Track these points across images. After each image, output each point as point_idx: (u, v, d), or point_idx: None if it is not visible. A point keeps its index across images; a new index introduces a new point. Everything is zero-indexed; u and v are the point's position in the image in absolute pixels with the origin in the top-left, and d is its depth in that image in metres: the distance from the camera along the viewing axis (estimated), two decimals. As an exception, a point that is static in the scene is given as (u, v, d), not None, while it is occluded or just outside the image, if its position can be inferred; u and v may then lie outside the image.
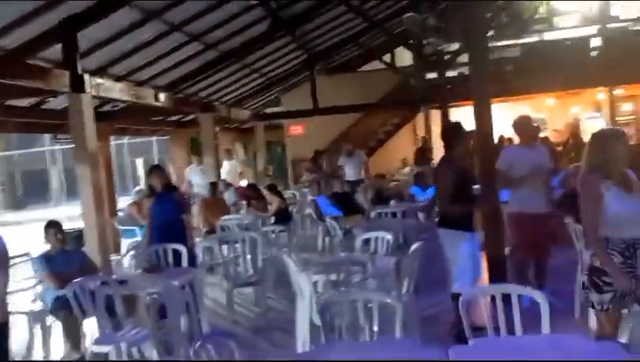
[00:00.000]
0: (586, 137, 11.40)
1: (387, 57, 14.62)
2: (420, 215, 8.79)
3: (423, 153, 12.67)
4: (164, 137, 16.56)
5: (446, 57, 9.74)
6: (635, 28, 13.75)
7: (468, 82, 9.66)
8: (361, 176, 11.10)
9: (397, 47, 14.63)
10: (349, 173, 11.15)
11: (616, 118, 14.37)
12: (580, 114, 15.30)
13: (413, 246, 4.79)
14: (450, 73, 10.87)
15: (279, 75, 13.85)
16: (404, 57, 15.39)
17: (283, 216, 9.43)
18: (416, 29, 6.20)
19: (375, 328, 3.31)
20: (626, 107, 15.33)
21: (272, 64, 12.64)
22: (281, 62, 12.97)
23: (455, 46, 10.22)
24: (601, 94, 14.73)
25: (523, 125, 5.32)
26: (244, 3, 8.59)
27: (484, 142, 5.60)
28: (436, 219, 5.14)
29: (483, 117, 5.53)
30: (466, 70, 12.36)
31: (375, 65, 15.16)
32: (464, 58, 12.18)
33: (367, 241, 5.59)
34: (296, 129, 16.75)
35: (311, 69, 13.11)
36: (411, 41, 11.41)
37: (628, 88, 14.51)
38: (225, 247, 6.66)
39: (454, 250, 4.66)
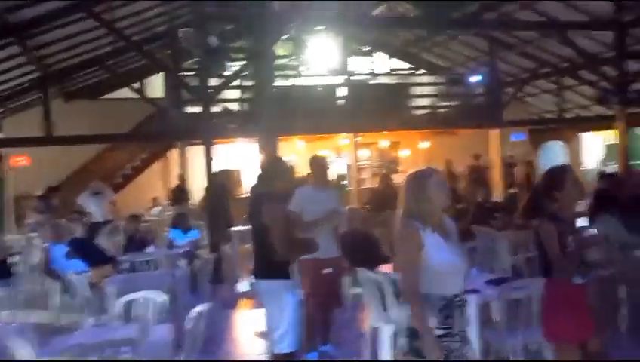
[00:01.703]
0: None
1: (137, 85, 13.33)
2: (182, 262, 7.76)
3: (181, 192, 11.66)
4: None
5: (210, 91, 9.09)
6: (372, 82, 15.29)
7: (235, 118, 9.08)
8: (108, 217, 9.53)
9: (149, 75, 13.46)
10: (96, 213, 9.48)
11: (357, 163, 15.59)
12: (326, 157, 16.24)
13: (198, 309, 3.84)
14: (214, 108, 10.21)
15: (2, 94, 11.33)
16: (155, 87, 14.29)
17: (2, 271, 7.34)
18: (193, 47, 5.38)
19: None
20: (364, 153, 16.85)
21: (-9, 79, 10.23)
22: (5, 78, 10.61)
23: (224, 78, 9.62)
24: (344, 140, 15.87)
25: (317, 165, 4.91)
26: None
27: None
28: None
29: (270, 153, 4.96)
30: (232, 105, 11.97)
31: (123, 93, 13.68)
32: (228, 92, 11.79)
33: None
34: (19, 160, 13.96)
35: (45, 91, 11.01)
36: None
37: (365, 136, 15.95)
38: None
39: (281, 303, 3.90)
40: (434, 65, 17.95)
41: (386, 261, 5.91)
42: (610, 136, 21.61)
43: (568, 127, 18.37)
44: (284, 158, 4.43)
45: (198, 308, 3.89)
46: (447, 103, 15.19)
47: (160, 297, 4.27)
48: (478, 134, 15.30)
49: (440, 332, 2.77)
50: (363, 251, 5.75)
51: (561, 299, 3.25)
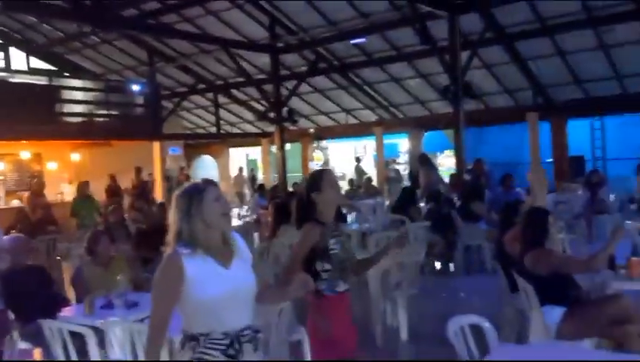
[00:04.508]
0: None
1: None
2: None
3: None
4: None
5: None
6: (11, 80, 12.78)
7: None
8: None
9: None
10: None
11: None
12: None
13: None
14: None
15: None
16: None
17: None
18: None
19: None
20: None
21: None
22: None
23: None
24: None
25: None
26: None
27: None
28: None
29: None
30: None
31: None
32: None
33: None
34: None
35: None
36: None
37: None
38: None
39: None
40: (84, 69, 16.33)
41: (66, 303, 4.72)
42: (253, 152, 23.87)
43: (221, 142, 19.32)
44: None
45: None
46: (105, 112, 13.90)
47: None
48: (138, 147, 14.50)
49: None
50: (37, 293, 4.42)
51: (317, 311, 3.00)
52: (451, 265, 8.05)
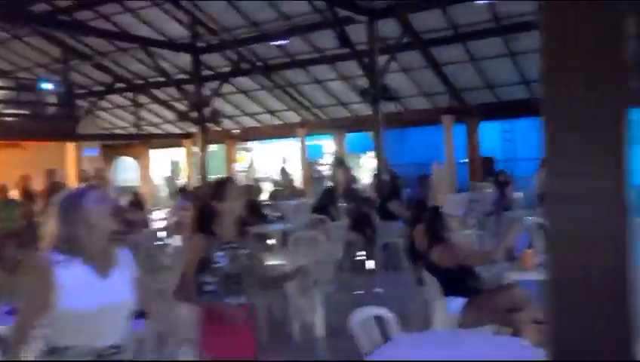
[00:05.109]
0: None
1: None
2: None
3: None
4: None
5: None
6: None
7: None
8: None
9: None
10: None
11: None
12: None
13: None
14: None
15: None
16: None
17: None
18: None
19: None
20: None
21: None
22: None
23: None
24: None
25: None
26: None
27: None
28: None
29: None
30: None
31: None
32: None
33: None
34: None
35: None
36: None
37: None
38: None
39: None
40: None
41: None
42: (176, 153, 23.29)
43: (141, 143, 18.74)
44: None
45: None
46: (15, 111, 13.14)
47: None
48: (51, 148, 13.81)
49: None
50: None
51: (211, 323, 2.96)
52: (369, 263, 8.27)
